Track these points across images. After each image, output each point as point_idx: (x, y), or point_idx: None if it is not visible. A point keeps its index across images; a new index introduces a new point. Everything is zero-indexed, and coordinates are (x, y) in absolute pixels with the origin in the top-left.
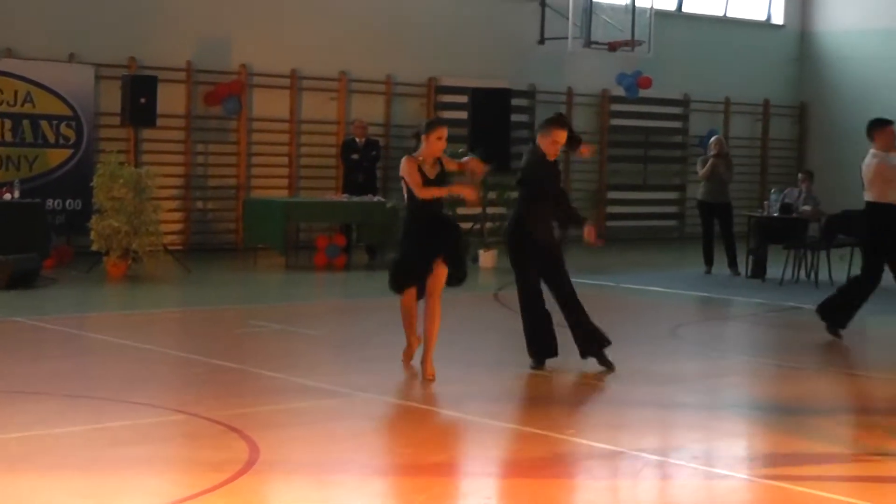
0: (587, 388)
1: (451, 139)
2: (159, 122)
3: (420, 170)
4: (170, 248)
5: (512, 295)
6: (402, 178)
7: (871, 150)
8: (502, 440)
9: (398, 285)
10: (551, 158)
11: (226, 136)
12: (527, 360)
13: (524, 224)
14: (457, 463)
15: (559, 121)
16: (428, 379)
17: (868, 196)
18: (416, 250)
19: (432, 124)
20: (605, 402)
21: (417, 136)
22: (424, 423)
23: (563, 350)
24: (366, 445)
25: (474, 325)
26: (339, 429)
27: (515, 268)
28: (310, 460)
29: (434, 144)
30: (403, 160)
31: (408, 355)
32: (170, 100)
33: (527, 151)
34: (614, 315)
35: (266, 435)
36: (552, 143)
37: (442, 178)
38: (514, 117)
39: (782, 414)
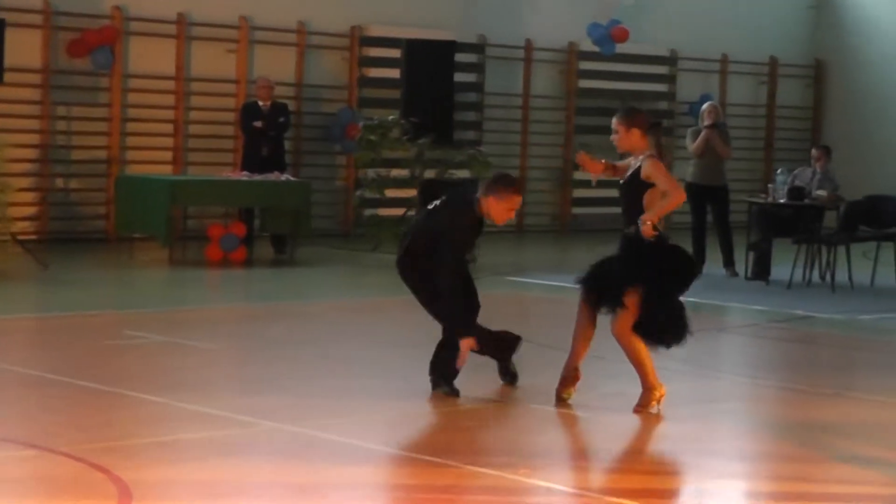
0: (546, 419)
1: (379, 103)
2: (7, 77)
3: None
4: (21, 237)
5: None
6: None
7: None
8: (443, 479)
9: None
10: (498, 223)
11: (95, 96)
12: (470, 383)
13: (421, 268)
14: None
15: (515, 183)
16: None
17: None
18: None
19: (509, 184)
20: (571, 434)
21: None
22: (343, 460)
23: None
24: (269, 489)
25: (409, 336)
26: (237, 467)
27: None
28: None
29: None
30: (650, 163)
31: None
32: (21, 50)
33: (457, 202)
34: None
35: (141, 476)
36: (506, 211)
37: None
38: (460, 77)
39: (790, 448)
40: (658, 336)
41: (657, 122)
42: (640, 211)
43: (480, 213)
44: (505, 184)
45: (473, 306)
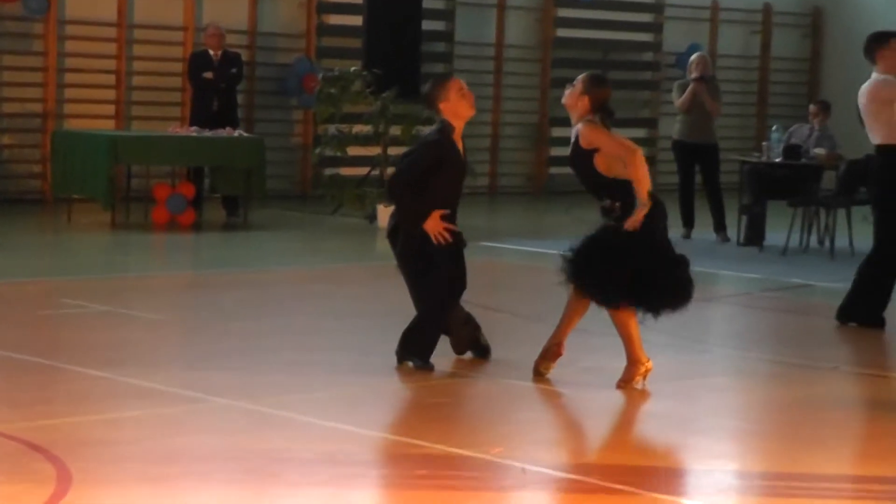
0: (522, 395)
1: (339, 53)
2: None
3: None
4: None
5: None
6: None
7: (874, 75)
8: (408, 462)
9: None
10: (468, 115)
11: (28, 44)
12: (439, 357)
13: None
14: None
15: (446, 76)
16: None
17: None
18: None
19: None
20: (548, 412)
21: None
22: (299, 438)
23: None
24: (217, 469)
25: (373, 307)
26: (185, 446)
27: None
28: (141, 490)
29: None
30: (584, 127)
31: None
32: None
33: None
34: (556, 294)
35: (82, 456)
36: (461, 100)
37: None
38: (427, 25)
39: (782, 427)
40: (654, 305)
41: (611, 111)
42: (602, 183)
43: (451, 139)
44: (438, 82)
45: (459, 286)
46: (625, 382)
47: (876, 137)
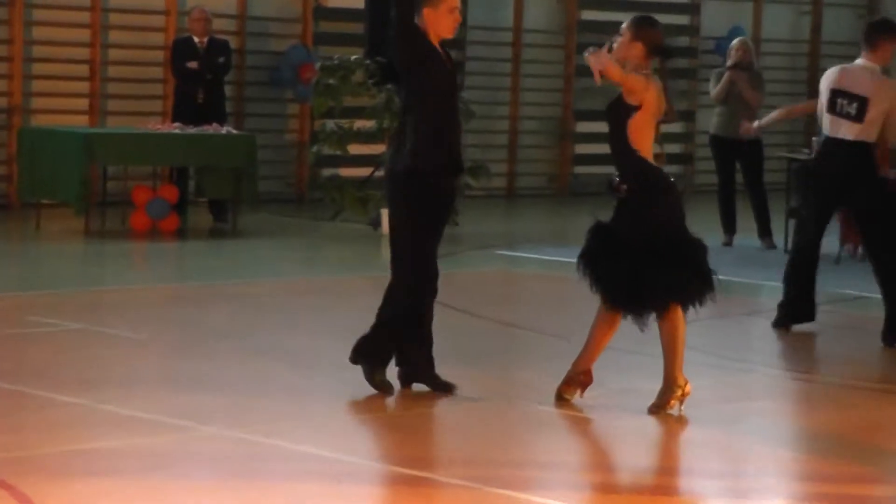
0: (544, 422)
1: (338, 39)
2: None
3: None
4: None
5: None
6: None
7: (862, 62)
8: (416, 498)
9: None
10: (449, 35)
11: None
12: (469, 377)
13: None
14: None
15: None
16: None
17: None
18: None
19: None
20: (573, 441)
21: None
22: (296, 471)
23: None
24: None
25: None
26: (167, 481)
27: None
28: None
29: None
30: (637, 77)
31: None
32: None
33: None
34: (584, 307)
35: (52, 493)
36: (448, 14)
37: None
38: None
39: (839, 457)
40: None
41: (669, 52)
42: (622, 151)
43: (429, 43)
44: None
45: (430, 290)
46: (658, 408)
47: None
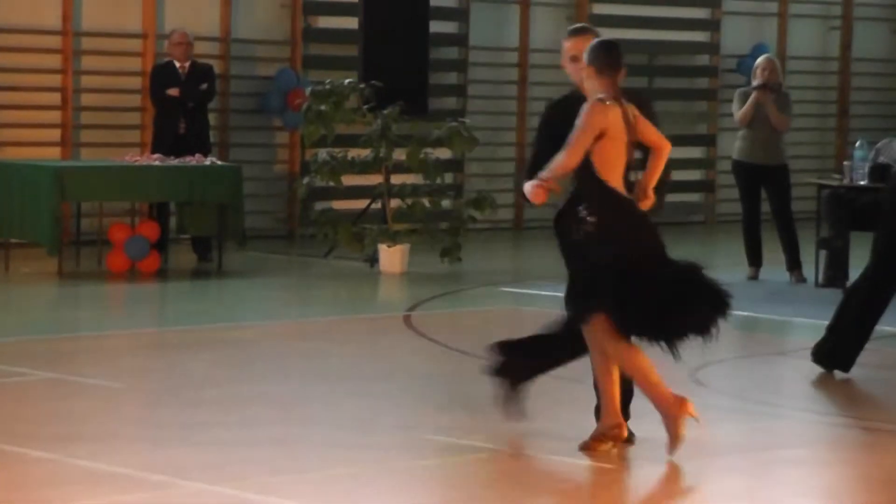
0: (560, 472)
1: (330, 63)
2: None
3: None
4: None
5: (431, 317)
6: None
7: None
8: None
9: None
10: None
11: None
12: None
13: None
14: None
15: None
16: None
17: None
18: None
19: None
20: (589, 493)
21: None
22: None
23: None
24: None
25: (374, 368)
26: None
27: None
28: None
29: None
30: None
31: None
32: None
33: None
34: None
35: None
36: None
37: None
38: (436, 26)
39: None
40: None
41: (614, 61)
42: (591, 178)
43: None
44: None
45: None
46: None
47: None
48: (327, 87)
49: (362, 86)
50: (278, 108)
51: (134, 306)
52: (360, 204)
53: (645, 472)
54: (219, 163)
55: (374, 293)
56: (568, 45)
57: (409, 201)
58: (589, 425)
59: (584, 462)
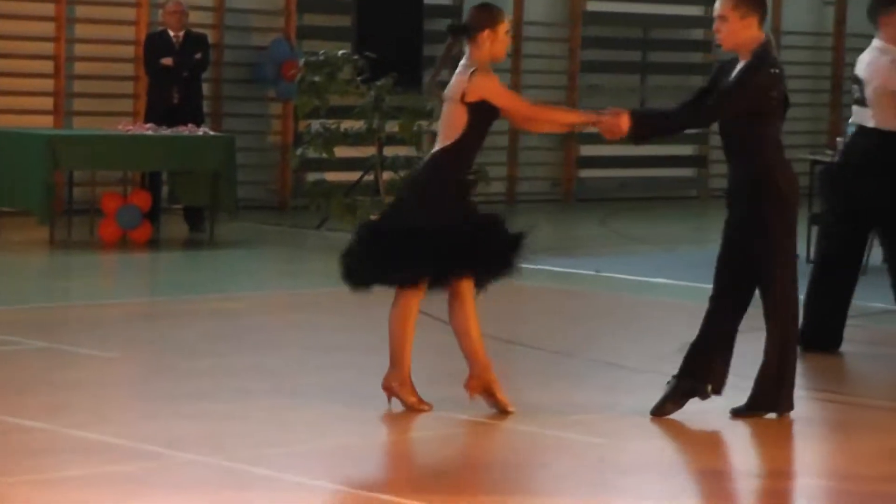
0: (548, 446)
1: (324, 33)
2: None
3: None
4: None
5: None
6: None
7: (874, 43)
8: None
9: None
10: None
11: None
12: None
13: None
14: None
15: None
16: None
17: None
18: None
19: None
20: (579, 468)
21: (459, 31)
22: (280, 501)
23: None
24: None
25: (366, 340)
26: None
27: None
28: None
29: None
30: (478, 76)
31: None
32: None
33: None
34: (590, 322)
35: None
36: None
37: None
38: None
39: (875, 485)
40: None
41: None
42: None
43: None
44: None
45: None
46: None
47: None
48: (321, 57)
49: (356, 57)
50: (272, 78)
51: (126, 276)
52: (353, 176)
53: (636, 446)
54: (211, 133)
55: None
56: None
57: (401, 173)
58: (581, 399)
59: (574, 436)
